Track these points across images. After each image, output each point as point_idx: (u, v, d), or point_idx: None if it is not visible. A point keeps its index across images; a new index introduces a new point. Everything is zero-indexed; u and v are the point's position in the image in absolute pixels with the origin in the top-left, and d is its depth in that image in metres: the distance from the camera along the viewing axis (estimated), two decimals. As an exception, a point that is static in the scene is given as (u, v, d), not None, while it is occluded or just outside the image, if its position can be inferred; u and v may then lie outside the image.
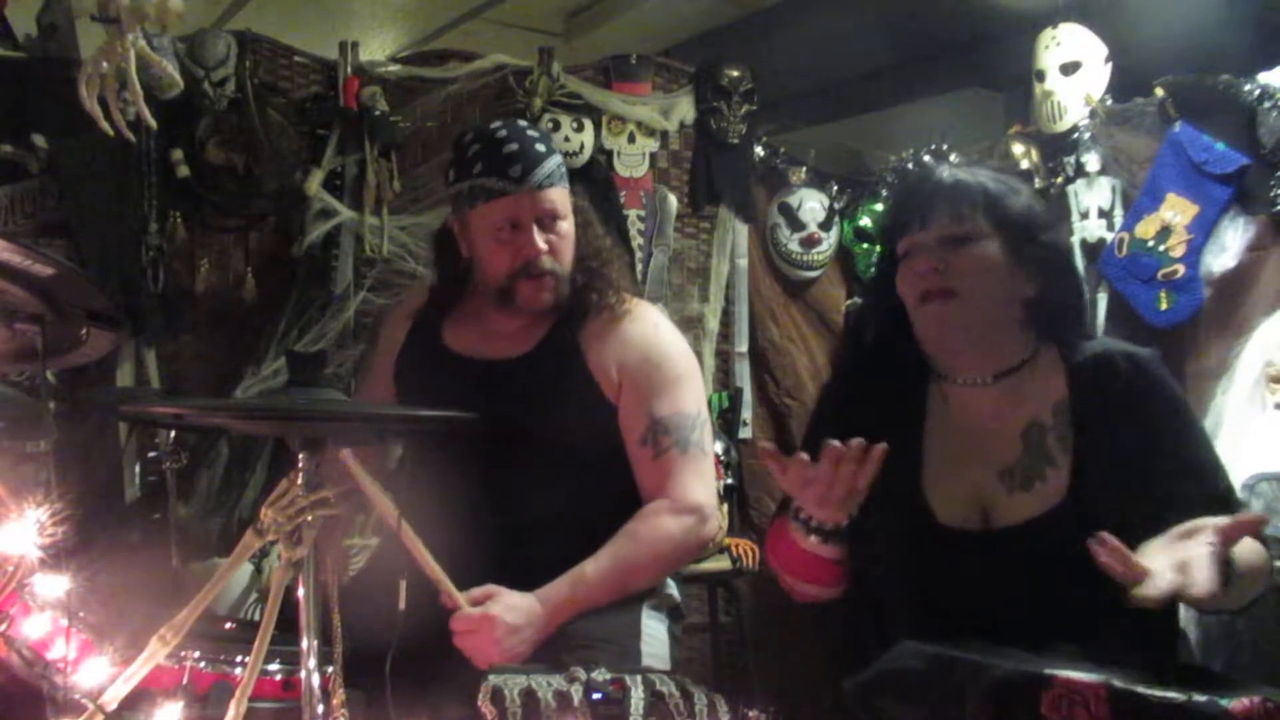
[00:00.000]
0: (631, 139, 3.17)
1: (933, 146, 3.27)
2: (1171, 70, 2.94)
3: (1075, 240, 2.96)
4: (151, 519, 2.63)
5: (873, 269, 3.33)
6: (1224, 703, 1.09)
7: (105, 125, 1.78)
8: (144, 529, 2.62)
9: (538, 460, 1.83)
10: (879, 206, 3.33)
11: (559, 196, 1.86)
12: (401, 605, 1.46)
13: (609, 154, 3.16)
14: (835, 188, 3.40)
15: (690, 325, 3.14)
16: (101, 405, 2.63)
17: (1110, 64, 3.08)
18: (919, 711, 1.22)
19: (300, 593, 1.25)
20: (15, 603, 1.29)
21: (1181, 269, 2.82)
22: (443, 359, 1.93)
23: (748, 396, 3.27)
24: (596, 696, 1.28)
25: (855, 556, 1.54)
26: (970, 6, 3.74)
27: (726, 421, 3.19)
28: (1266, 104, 2.74)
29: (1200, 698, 1.12)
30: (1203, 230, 2.81)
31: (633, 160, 3.18)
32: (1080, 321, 1.59)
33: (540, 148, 1.84)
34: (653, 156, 3.21)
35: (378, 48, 4.51)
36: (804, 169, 3.36)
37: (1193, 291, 2.82)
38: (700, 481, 1.84)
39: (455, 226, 1.92)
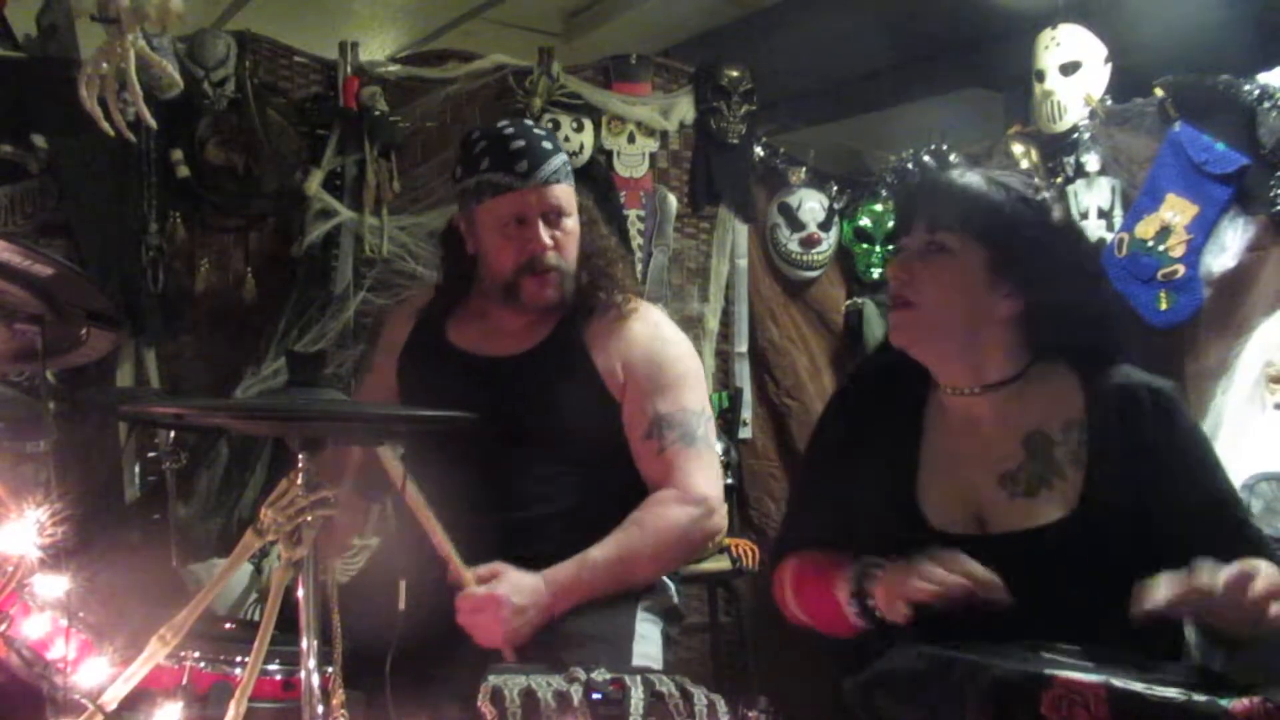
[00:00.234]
0: (631, 139, 3.17)
1: (933, 146, 3.27)
2: (1171, 70, 2.94)
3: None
4: (151, 519, 2.63)
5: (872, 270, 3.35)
6: (1224, 703, 1.09)
7: (105, 125, 1.78)
8: (144, 529, 2.62)
9: (541, 457, 1.83)
10: (879, 206, 3.34)
11: (564, 193, 1.87)
12: (401, 605, 1.46)
13: (609, 154, 3.16)
14: (835, 188, 3.40)
15: (690, 325, 3.14)
16: (101, 405, 2.63)
17: (1110, 64, 3.08)
18: (919, 711, 1.22)
19: (300, 593, 1.25)
20: (15, 603, 1.29)
21: (1181, 269, 2.82)
22: (447, 356, 1.94)
23: (747, 396, 3.28)
24: (596, 697, 1.28)
25: (851, 551, 1.53)
26: (970, 6, 3.74)
27: (726, 422, 3.20)
28: (1266, 104, 2.74)
29: (1200, 698, 1.12)
30: (1202, 230, 2.81)
31: (632, 160, 3.18)
32: (1089, 338, 1.52)
33: (546, 145, 1.86)
34: (652, 156, 3.21)
35: (377, 48, 4.51)
36: (804, 169, 3.36)
37: (1192, 291, 2.82)
38: (706, 474, 1.85)
39: (462, 224, 1.94)
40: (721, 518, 1.86)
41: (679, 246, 3.24)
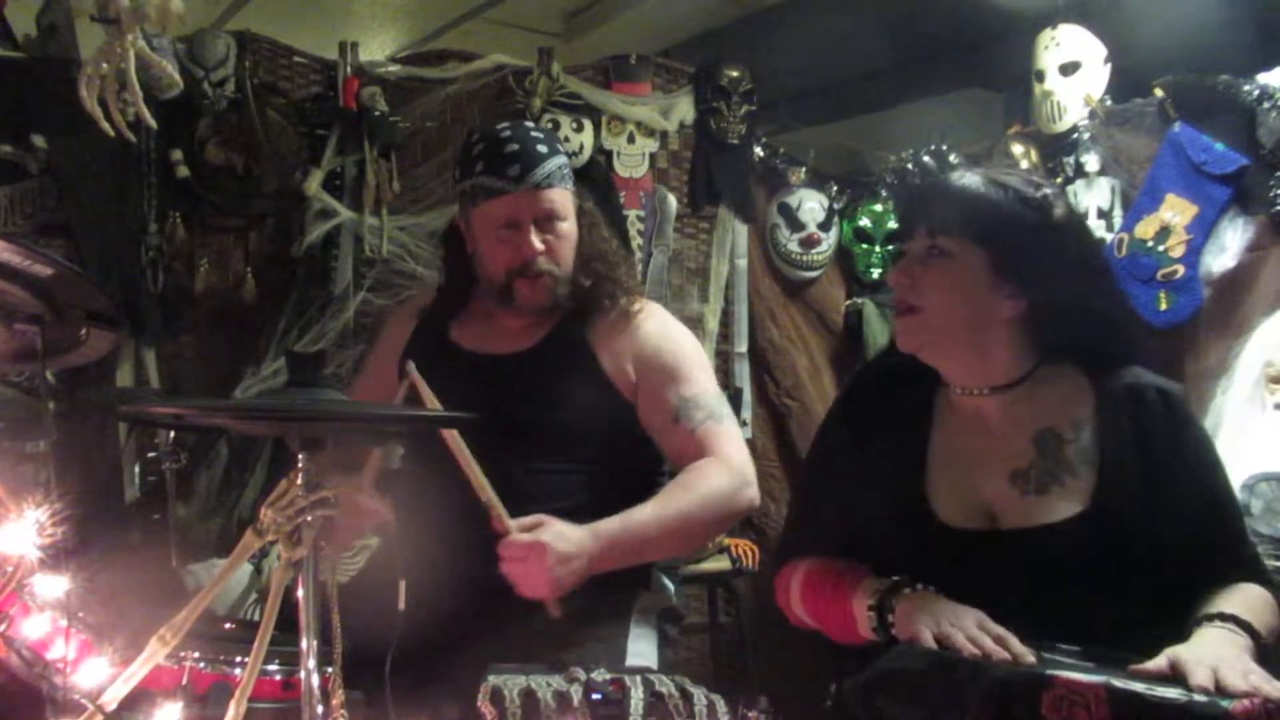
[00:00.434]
0: (631, 139, 3.18)
1: (932, 147, 3.27)
2: (1171, 70, 2.94)
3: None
4: (151, 519, 2.63)
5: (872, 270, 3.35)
6: (1224, 703, 1.09)
7: (105, 125, 1.78)
8: (144, 529, 2.62)
9: (543, 454, 1.83)
10: (879, 206, 3.34)
11: (559, 197, 1.87)
12: (401, 605, 1.46)
13: (608, 154, 3.16)
14: (835, 188, 3.40)
15: (690, 325, 3.10)
16: (101, 405, 2.63)
17: (1110, 64, 3.08)
18: (919, 711, 1.22)
19: (300, 593, 1.25)
20: (15, 603, 1.29)
21: (1181, 269, 2.82)
22: (449, 354, 1.94)
23: (747, 397, 3.28)
24: (596, 697, 1.28)
25: (860, 558, 1.53)
26: (970, 6, 3.74)
27: (726, 421, 3.19)
28: (1266, 104, 2.74)
29: (1200, 698, 1.12)
30: (1202, 230, 2.81)
31: (632, 160, 3.18)
32: (1096, 337, 1.51)
33: (542, 149, 1.86)
34: (652, 157, 3.21)
35: (377, 48, 4.52)
36: (803, 169, 3.36)
37: (1192, 292, 2.82)
38: (740, 448, 1.86)
39: (461, 225, 1.95)
40: (756, 492, 1.85)
41: (679, 246, 3.24)
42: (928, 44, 4.18)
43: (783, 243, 3.32)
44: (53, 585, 1.29)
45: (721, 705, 1.29)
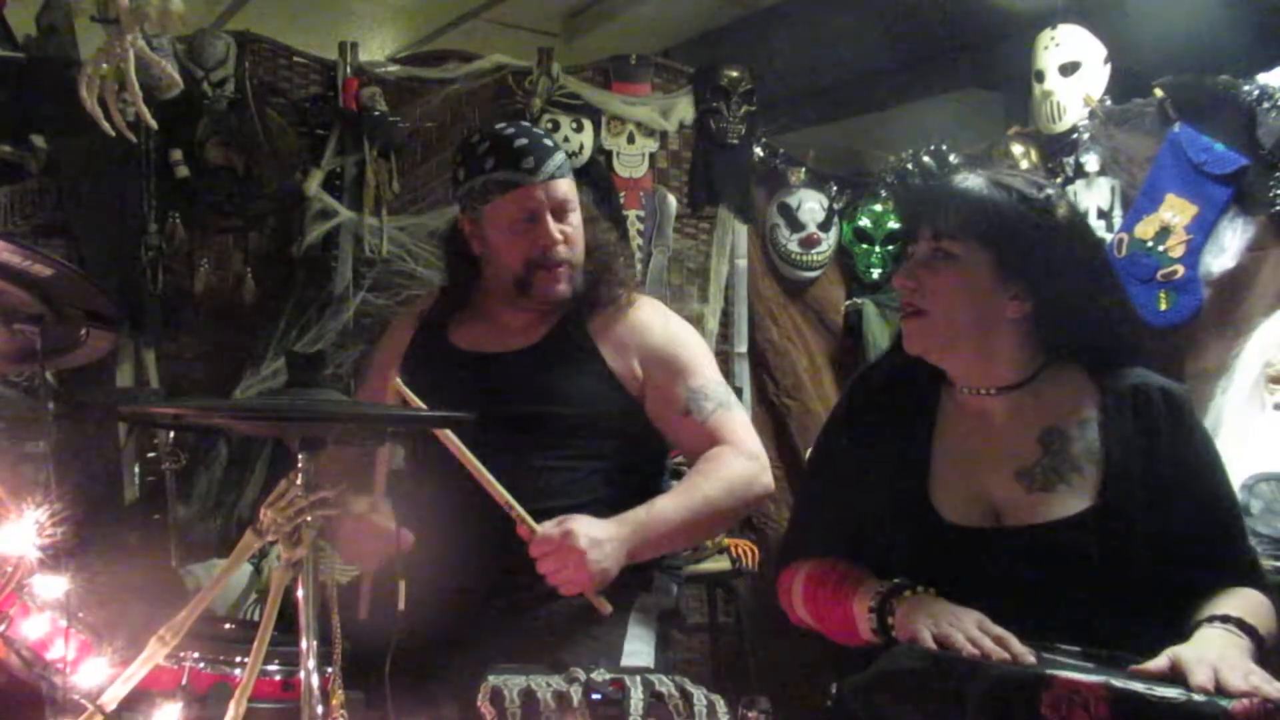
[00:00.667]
0: (631, 139, 3.18)
1: (932, 147, 3.27)
2: (1171, 71, 2.94)
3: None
4: (151, 519, 2.63)
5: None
6: (1224, 703, 1.09)
7: (105, 125, 1.78)
8: (143, 529, 2.62)
9: (547, 453, 1.84)
10: (878, 207, 3.34)
11: (569, 188, 1.91)
12: (401, 605, 1.46)
13: (608, 154, 3.17)
14: (834, 188, 3.40)
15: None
16: (101, 405, 2.63)
17: (1109, 64, 3.08)
18: (919, 712, 1.22)
19: (300, 593, 1.25)
20: (14, 603, 1.29)
21: (1181, 269, 2.82)
22: (450, 357, 1.95)
23: (747, 397, 3.27)
24: (596, 697, 1.28)
25: (863, 557, 1.53)
26: (970, 7, 3.74)
27: (726, 422, 3.19)
28: (1265, 104, 2.74)
29: (1199, 698, 1.13)
30: (1202, 231, 2.81)
31: (632, 161, 3.18)
32: (1100, 337, 1.52)
33: (547, 142, 1.91)
34: (652, 157, 3.21)
35: (377, 48, 4.52)
36: (803, 169, 3.36)
37: (1192, 292, 2.82)
38: (751, 433, 1.90)
39: (466, 226, 1.95)
40: (770, 476, 1.88)
41: (678, 247, 3.24)
42: (928, 44, 4.18)
43: (782, 243, 3.32)
44: (52, 585, 1.29)
45: (721, 705, 1.29)
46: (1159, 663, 1.23)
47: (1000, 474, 1.50)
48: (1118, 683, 1.11)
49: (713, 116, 3.24)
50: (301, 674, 1.23)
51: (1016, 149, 3.18)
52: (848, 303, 3.38)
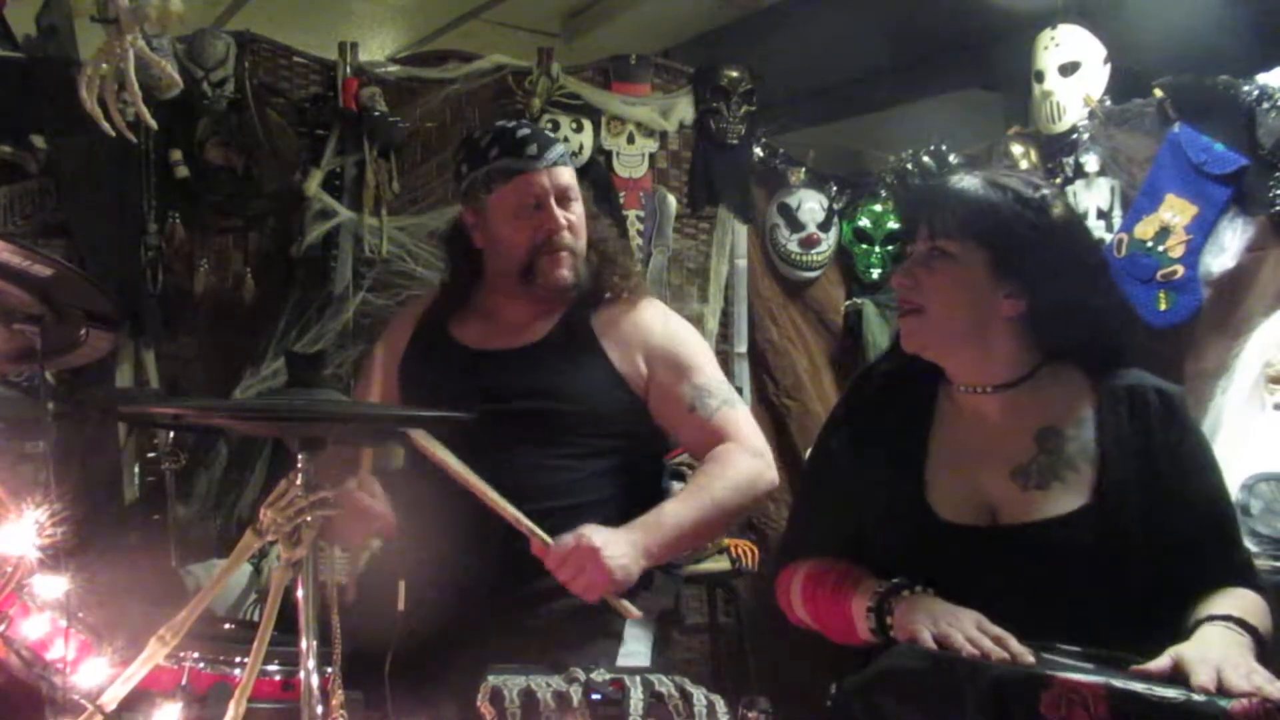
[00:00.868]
0: (631, 139, 3.18)
1: (932, 147, 3.27)
2: (1170, 71, 2.94)
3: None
4: (150, 519, 2.63)
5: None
6: (1223, 703, 1.09)
7: (105, 126, 1.77)
8: (143, 529, 2.62)
9: (549, 450, 1.84)
10: (878, 207, 3.34)
11: (572, 178, 1.94)
12: (401, 605, 1.46)
13: (608, 154, 3.16)
14: (834, 188, 3.40)
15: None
16: (101, 405, 2.63)
17: (1109, 65, 3.08)
18: (918, 711, 1.22)
19: (299, 593, 1.25)
20: (14, 603, 1.29)
21: (1180, 269, 2.82)
22: (452, 353, 1.95)
23: (747, 397, 3.27)
24: (596, 697, 1.28)
25: (860, 557, 1.54)
26: (970, 7, 3.74)
27: (726, 422, 3.19)
28: (1265, 105, 2.75)
29: (1200, 698, 1.13)
30: (1202, 231, 2.81)
31: (632, 161, 3.18)
32: (1096, 337, 1.53)
33: (549, 133, 1.97)
34: (652, 157, 3.21)
35: (377, 48, 4.52)
36: (803, 169, 3.36)
37: (1192, 292, 2.82)
38: (754, 429, 1.92)
39: (469, 218, 1.96)
40: (775, 473, 1.90)
41: (678, 247, 3.24)
42: (927, 44, 4.18)
43: (782, 243, 3.32)
44: (52, 585, 1.29)
45: (721, 705, 1.29)
46: (1161, 663, 1.23)
47: (996, 472, 1.51)
48: (1117, 682, 1.11)
49: (713, 116, 3.24)
50: (301, 674, 1.24)
51: (1016, 149, 3.18)
52: (847, 303, 3.38)
